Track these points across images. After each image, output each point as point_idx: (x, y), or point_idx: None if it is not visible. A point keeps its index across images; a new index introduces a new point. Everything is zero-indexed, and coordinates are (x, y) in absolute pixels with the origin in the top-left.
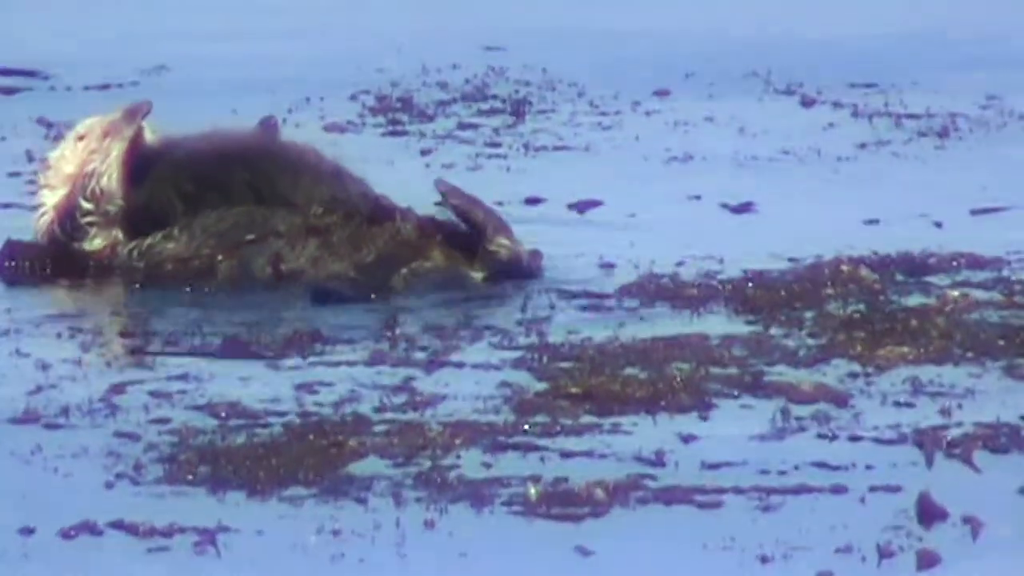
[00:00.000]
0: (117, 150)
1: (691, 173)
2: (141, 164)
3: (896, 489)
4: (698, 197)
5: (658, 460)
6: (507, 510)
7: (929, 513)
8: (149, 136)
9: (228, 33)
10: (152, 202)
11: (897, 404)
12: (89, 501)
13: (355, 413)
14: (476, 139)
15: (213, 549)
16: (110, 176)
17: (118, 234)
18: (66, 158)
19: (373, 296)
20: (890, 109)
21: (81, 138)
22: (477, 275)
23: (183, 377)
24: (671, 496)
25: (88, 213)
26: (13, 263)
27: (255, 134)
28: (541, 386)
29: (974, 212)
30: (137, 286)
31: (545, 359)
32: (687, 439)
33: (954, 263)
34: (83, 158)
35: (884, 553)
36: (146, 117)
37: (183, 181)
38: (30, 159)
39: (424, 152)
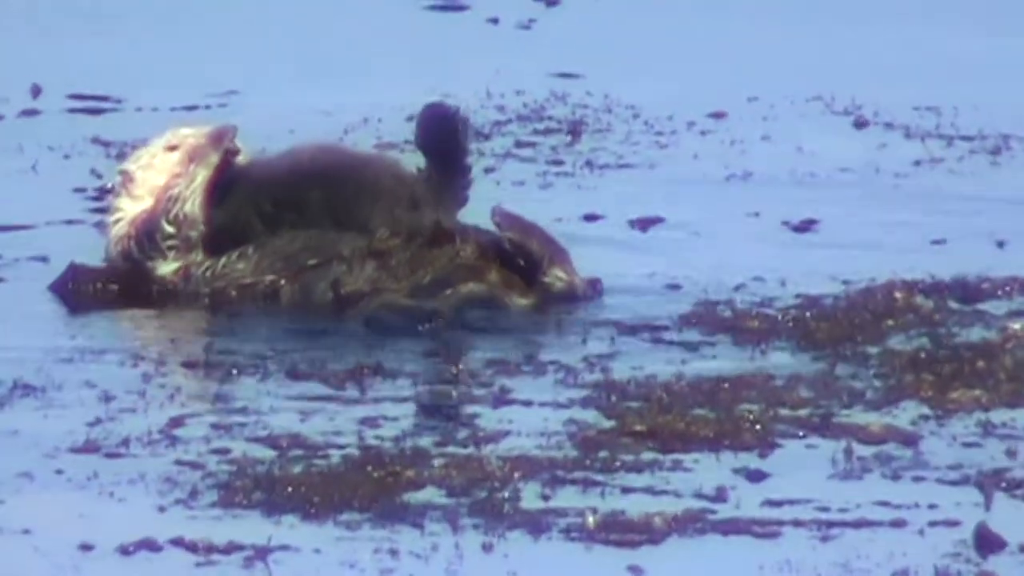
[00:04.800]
0: (202, 176)
1: (750, 191)
2: (226, 185)
3: (955, 524)
4: (757, 214)
5: (719, 496)
6: (564, 537)
7: (987, 543)
8: (241, 159)
9: (294, 57)
10: (234, 223)
11: (965, 445)
12: (143, 522)
13: (415, 447)
14: (537, 157)
15: (263, 565)
16: (193, 202)
17: (196, 256)
18: (154, 168)
19: (426, 324)
20: (942, 130)
21: (172, 148)
22: (525, 302)
23: (244, 410)
24: (730, 527)
25: (170, 237)
26: (77, 287)
27: (335, 151)
28: (607, 424)
29: None
30: (201, 313)
31: (613, 397)
32: (750, 477)
33: (1008, 288)
34: (169, 178)
35: None
36: (232, 141)
37: (262, 201)
38: (95, 177)
39: (488, 170)
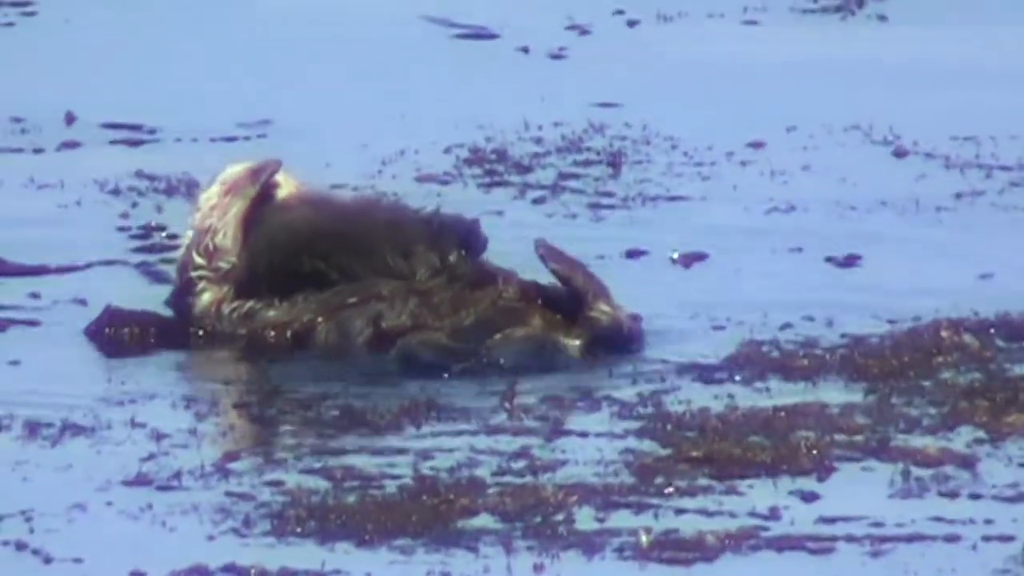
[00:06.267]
0: (236, 208)
1: (793, 225)
2: (259, 221)
3: (1010, 539)
4: (800, 249)
5: (773, 515)
6: (617, 556)
7: None
8: (284, 191)
9: (330, 89)
10: (247, 275)
11: (1022, 466)
12: (194, 550)
13: (470, 476)
14: (585, 189)
15: None
16: (225, 233)
17: (228, 292)
18: (208, 200)
19: (462, 364)
20: (982, 160)
21: (224, 183)
22: (575, 343)
23: (297, 445)
24: (783, 543)
25: (199, 268)
26: (113, 331)
27: (328, 209)
28: (663, 452)
29: None
30: (243, 354)
31: (668, 427)
32: (807, 498)
33: None
34: (206, 210)
35: None
36: (272, 176)
37: (262, 272)
38: (139, 214)
39: (536, 202)
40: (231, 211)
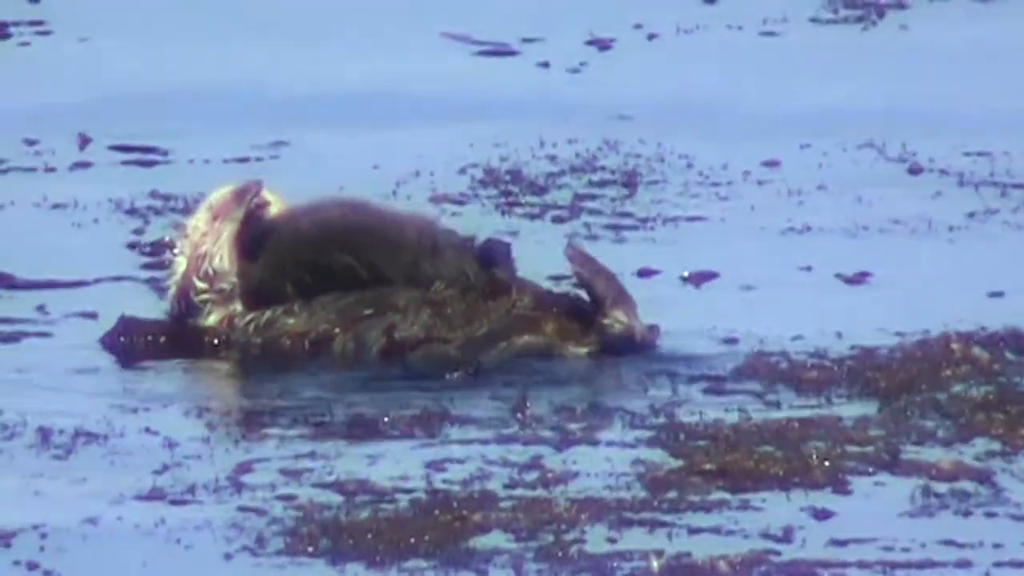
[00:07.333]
0: (227, 232)
1: (808, 243)
2: (260, 239)
3: (1021, 564)
4: (809, 268)
5: (786, 536)
6: None
7: None
8: (273, 209)
9: (344, 107)
10: (265, 286)
11: None
12: (208, 570)
13: (482, 490)
14: (603, 210)
15: None
16: (221, 257)
17: (236, 307)
18: (197, 228)
19: (462, 371)
20: (996, 178)
21: (211, 208)
22: (582, 351)
23: (311, 455)
24: (794, 570)
25: (203, 292)
26: (128, 340)
27: (360, 211)
28: (675, 463)
29: None
30: (256, 362)
31: (681, 436)
32: (820, 516)
33: None
34: (198, 237)
35: None
36: (256, 196)
37: (291, 269)
38: (151, 231)
39: (556, 221)
40: (223, 235)
